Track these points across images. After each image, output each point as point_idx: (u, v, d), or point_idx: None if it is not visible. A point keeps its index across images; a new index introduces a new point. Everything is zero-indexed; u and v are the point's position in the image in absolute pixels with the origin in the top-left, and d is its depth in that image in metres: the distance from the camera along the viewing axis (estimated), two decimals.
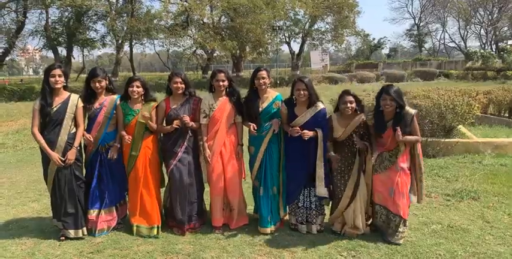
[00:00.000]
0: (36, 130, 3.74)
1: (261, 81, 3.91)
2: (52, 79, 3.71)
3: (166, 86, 4.04)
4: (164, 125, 4.01)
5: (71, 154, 3.76)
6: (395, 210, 3.71)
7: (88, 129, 3.98)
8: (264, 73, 3.93)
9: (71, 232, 3.88)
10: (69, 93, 3.86)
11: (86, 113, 3.96)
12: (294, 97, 3.89)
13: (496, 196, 4.96)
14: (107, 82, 3.99)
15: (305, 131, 3.73)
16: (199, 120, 4.00)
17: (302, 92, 3.78)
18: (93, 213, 3.97)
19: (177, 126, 3.87)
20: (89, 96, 3.96)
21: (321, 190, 3.84)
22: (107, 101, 3.98)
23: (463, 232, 3.93)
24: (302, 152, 3.86)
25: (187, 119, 3.85)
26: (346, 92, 3.80)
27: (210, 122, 3.98)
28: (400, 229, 3.72)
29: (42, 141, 3.72)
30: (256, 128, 3.89)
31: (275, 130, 3.91)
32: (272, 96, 4.00)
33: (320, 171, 3.81)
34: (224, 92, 4.03)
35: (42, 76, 3.95)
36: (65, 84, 3.81)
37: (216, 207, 4.06)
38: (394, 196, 3.68)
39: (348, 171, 3.81)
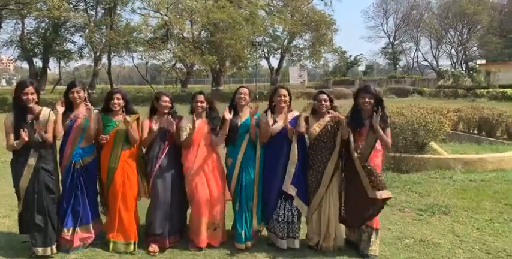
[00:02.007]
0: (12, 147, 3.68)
1: (242, 96, 4.10)
2: (24, 97, 3.64)
3: (151, 106, 4.12)
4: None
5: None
6: (369, 222, 3.80)
7: (63, 143, 3.93)
8: (245, 90, 4.17)
9: (39, 250, 3.70)
10: (40, 108, 3.77)
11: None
12: (273, 105, 4.07)
13: (465, 211, 5.14)
14: (86, 94, 3.97)
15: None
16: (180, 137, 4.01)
17: (283, 98, 3.99)
18: (67, 232, 3.87)
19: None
20: (66, 109, 3.91)
21: (287, 186, 3.89)
22: (82, 113, 3.94)
23: (435, 247, 4.06)
24: (278, 161, 3.96)
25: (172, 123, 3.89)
26: (321, 91, 4.05)
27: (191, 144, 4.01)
28: (372, 239, 3.80)
29: (18, 141, 3.60)
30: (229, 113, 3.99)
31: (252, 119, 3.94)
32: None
33: (291, 167, 3.90)
34: (204, 114, 4.13)
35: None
36: (36, 100, 3.74)
37: (200, 228, 3.95)
38: None
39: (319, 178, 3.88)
